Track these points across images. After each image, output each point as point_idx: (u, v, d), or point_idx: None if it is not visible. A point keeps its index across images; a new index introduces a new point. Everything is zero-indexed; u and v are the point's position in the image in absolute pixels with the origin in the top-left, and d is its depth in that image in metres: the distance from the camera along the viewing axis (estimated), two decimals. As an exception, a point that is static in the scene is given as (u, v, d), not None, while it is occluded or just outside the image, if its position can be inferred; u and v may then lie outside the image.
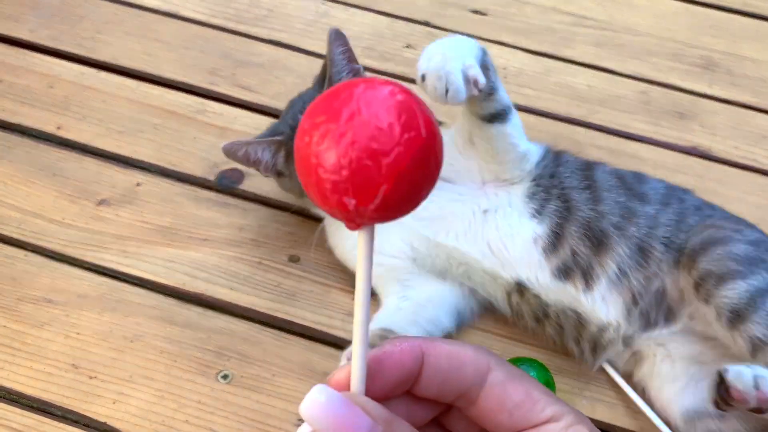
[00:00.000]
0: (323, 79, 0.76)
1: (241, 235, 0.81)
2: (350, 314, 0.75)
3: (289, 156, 0.74)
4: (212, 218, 0.82)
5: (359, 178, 0.25)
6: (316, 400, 0.28)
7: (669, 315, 0.68)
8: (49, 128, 0.90)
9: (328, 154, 0.25)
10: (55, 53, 0.98)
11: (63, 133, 0.89)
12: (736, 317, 0.62)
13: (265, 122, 0.91)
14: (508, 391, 0.31)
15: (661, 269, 0.68)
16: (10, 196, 0.83)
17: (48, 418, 0.67)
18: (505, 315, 0.73)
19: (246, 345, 0.72)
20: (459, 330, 0.73)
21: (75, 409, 0.67)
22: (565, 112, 0.96)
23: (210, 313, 0.75)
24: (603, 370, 0.71)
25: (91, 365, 0.70)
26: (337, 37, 0.75)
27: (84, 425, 0.67)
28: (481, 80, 0.64)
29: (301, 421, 0.69)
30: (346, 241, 0.75)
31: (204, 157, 0.88)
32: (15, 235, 0.79)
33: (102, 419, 0.67)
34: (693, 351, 0.67)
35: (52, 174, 0.85)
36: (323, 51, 1.01)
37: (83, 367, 0.70)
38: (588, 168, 0.74)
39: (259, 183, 0.85)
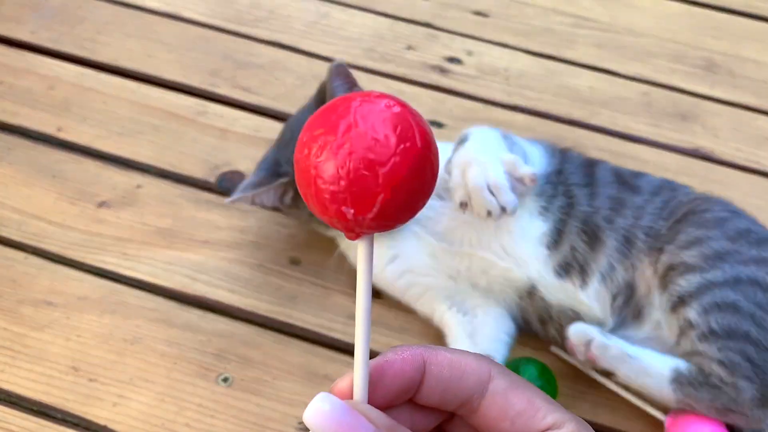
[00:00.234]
0: (316, 107, 0.74)
1: (241, 238, 0.80)
2: (351, 317, 0.75)
3: (296, 194, 0.73)
4: (213, 220, 0.82)
5: (357, 188, 0.26)
6: (319, 409, 0.28)
7: (636, 314, 0.68)
8: (50, 130, 0.89)
9: (326, 165, 0.26)
10: (56, 54, 0.98)
11: (63, 135, 0.89)
12: (679, 302, 0.64)
13: (265, 124, 0.91)
14: (509, 399, 0.31)
15: (638, 259, 0.68)
16: (10, 198, 0.83)
17: (48, 421, 0.66)
18: (516, 324, 0.73)
19: (246, 348, 0.72)
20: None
21: (75, 412, 0.67)
22: (566, 113, 0.96)
23: (210, 315, 0.74)
24: (605, 375, 0.70)
25: (92, 368, 0.70)
26: (338, 71, 0.73)
27: (84, 428, 0.66)
28: (529, 171, 0.63)
29: (301, 424, 0.69)
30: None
31: (204, 158, 0.87)
32: (15, 237, 0.79)
33: (102, 422, 0.67)
34: None
35: (52, 175, 0.85)
36: (324, 52, 1.02)
37: (83, 370, 0.70)
38: (591, 165, 0.74)
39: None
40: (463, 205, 0.64)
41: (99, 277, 0.77)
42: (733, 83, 1.00)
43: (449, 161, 0.67)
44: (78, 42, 1.00)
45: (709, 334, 0.63)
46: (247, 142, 0.89)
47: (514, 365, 0.68)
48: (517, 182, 0.64)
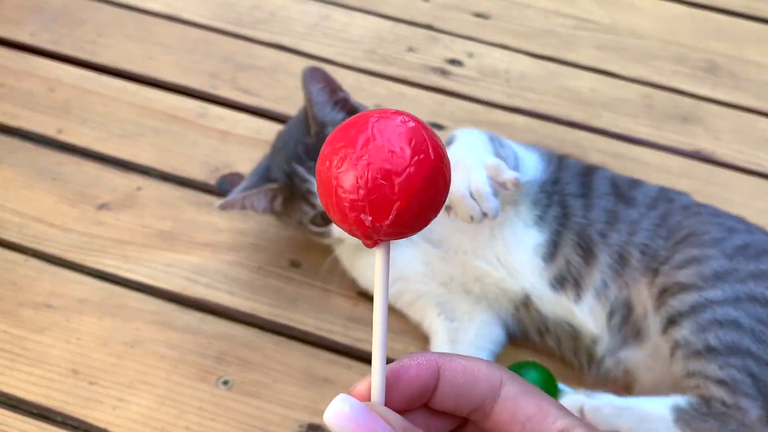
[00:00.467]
0: (306, 118, 0.73)
1: (241, 240, 0.80)
2: (351, 319, 0.74)
3: (286, 201, 0.73)
4: (213, 223, 0.82)
5: (375, 196, 0.28)
6: (339, 410, 0.30)
7: (636, 334, 0.67)
8: (50, 132, 0.89)
9: (346, 175, 0.28)
10: (56, 57, 0.98)
11: (63, 137, 0.89)
12: (670, 323, 0.63)
13: (266, 126, 0.91)
14: (520, 404, 0.32)
15: (633, 278, 0.67)
16: (11, 201, 0.82)
17: (48, 424, 0.66)
18: (513, 334, 0.73)
19: (246, 350, 0.72)
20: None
21: (75, 415, 0.67)
22: (567, 115, 0.95)
23: (210, 318, 0.74)
24: (603, 380, 0.70)
25: (92, 371, 0.70)
26: (312, 76, 0.71)
27: (84, 431, 0.66)
28: (512, 176, 0.62)
29: (302, 427, 0.68)
30: (358, 262, 0.74)
31: (205, 161, 0.87)
32: (15, 240, 0.79)
33: (102, 425, 0.66)
34: (657, 382, 0.67)
35: (53, 178, 0.85)
36: (325, 54, 1.01)
37: (83, 373, 0.70)
38: (588, 173, 0.73)
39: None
40: (448, 209, 0.63)
41: (99, 280, 0.77)
42: (735, 85, 1.00)
43: None
44: (78, 44, 1.00)
45: (706, 352, 0.61)
46: (247, 145, 0.89)
47: (515, 369, 0.68)
48: (500, 186, 0.63)
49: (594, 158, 0.83)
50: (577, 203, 0.70)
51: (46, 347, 0.71)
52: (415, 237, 0.70)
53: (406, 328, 0.74)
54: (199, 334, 0.73)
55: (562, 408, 0.33)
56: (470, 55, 1.02)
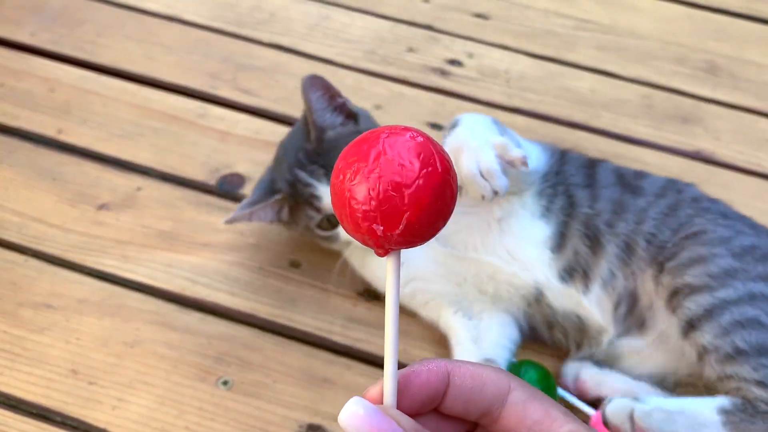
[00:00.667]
0: (306, 124, 0.73)
1: (241, 240, 0.80)
2: (350, 319, 0.74)
3: (291, 209, 0.74)
4: (213, 223, 0.82)
5: (386, 207, 0.30)
6: (354, 412, 0.32)
7: (641, 324, 0.67)
8: (50, 132, 0.89)
9: (359, 188, 0.30)
10: (56, 57, 0.98)
11: (63, 137, 0.89)
12: (690, 327, 0.63)
13: (266, 126, 0.91)
14: (527, 409, 0.34)
15: (639, 268, 0.67)
16: (11, 201, 0.82)
17: (47, 424, 0.66)
18: (523, 333, 0.72)
19: (246, 351, 0.72)
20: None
21: (75, 415, 0.67)
22: (567, 116, 0.95)
23: (210, 318, 0.74)
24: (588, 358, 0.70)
25: (91, 371, 0.70)
26: (312, 84, 0.72)
27: (84, 431, 0.66)
28: (520, 154, 0.63)
29: (301, 427, 0.68)
30: (370, 263, 0.74)
31: (205, 161, 0.87)
32: (15, 240, 0.79)
33: (102, 425, 0.66)
34: (654, 370, 0.67)
35: (53, 178, 0.85)
36: (325, 54, 1.01)
37: (83, 373, 0.70)
38: (591, 166, 0.74)
39: (260, 187, 0.84)
40: (459, 189, 0.64)
41: (99, 280, 0.76)
42: (735, 86, 1.00)
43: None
44: (78, 44, 1.00)
45: (737, 355, 0.61)
46: (247, 145, 0.89)
47: (515, 368, 0.68)
48: (508, 164, 0.64)
49: (594, 158, 0.83)
50: (582, 194, 0.70)
51: (45, 347, 0.71)
52: None
53: (408, 330, 0.74)
54: (198, 335, 0.73)
55: (569, 413, 0.34)
56: (470, 55, 1.02)
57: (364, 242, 0.32)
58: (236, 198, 0.84)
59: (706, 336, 0.62)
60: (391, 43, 1.03)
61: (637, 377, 0.67)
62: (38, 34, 1.01)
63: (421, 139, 0.31)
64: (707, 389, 0.64)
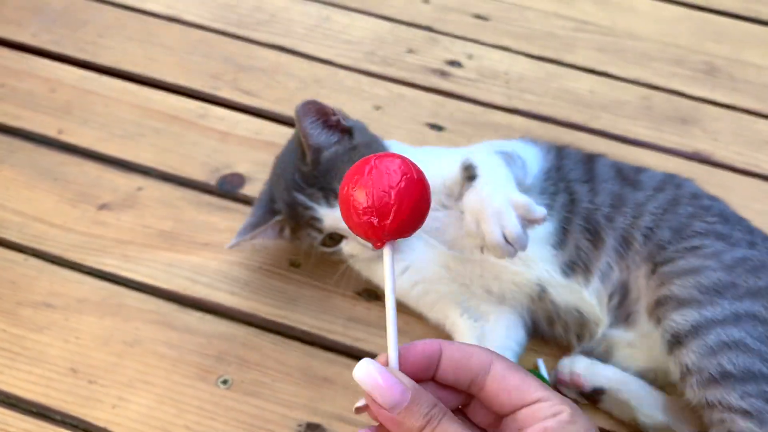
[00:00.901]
0: (300, 144, 0.73)
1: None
2: (350, 319, 0.75)
3: (293, 230, 0.74)
4: (213, 223, 0.82)
5: (378, 204, 0.41)
6: (366, 368, 0.40)
7: (626, 318, 0.68)
8: (51, 132, 0.90)
9: (359, 192, 0.41)
10: (58, 57, 0.98)
11: (64, 138, 0.89)
12: (675, 343, 0.62)
13: (266, 127, 0.92)
14: (507, 377, 0.42)
15: (634, 262, 0.68)
16: (12, 200, 0.83)
17: (47, 422, 0.67)
18: (526, 333, 0.73)
19: (246, 350, 0.72)
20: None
21: (74, 414, 0.67)
22: (566, 117, 0.96)
23: (210, 318, 0.74)
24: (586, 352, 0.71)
25: (91, 370, 0.70)
26: (305, 111, 0.71)
27: (83, 430, 0.66)
28: (541, 214, 0.63)
29: (300, 426, 0.68)
30: (377, 269, 0.75)
31: (205, 161, 0.88)
32: (15, 239, 0.79)
33: (101, 424, 0.67)
34: (646, 365, 0.68)
35: (54, 178, 0.85)
36: (325, 56, 1.02)
37: (83, 372, 0.70)
38: (589, 161, 0.75)
39: (259, 187, 0.84)
40: (481, 250, 0.69)
41: (99, 279, 0.77)
42: (734, 87, 1.01)
43: (462, 202, 0.66)
44: (79, 45, 1.00)
45: (721, 378, 0.59)
46: (248, 145, 0.89)
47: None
48: (529, 224, 0.63)
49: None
50: (582, 189, 0.71)
51: (45, 346, 0.71)
52: (432, 240, 0.71)
53: (406, 329, 0.74)
54: (198, 334, 0.73)
55: (543, 385, 0.41)
56: (470, 56, 1.02)
57: (365, 235, 0.42)
58: (236, 198, 0.84)
59: (690, 355, 0.61)
60: (391, 44, 1.03)
61: (634, 373, 0.68)
62: (40, 34, 1.01)
63: (401, 159, 0.42)
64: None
